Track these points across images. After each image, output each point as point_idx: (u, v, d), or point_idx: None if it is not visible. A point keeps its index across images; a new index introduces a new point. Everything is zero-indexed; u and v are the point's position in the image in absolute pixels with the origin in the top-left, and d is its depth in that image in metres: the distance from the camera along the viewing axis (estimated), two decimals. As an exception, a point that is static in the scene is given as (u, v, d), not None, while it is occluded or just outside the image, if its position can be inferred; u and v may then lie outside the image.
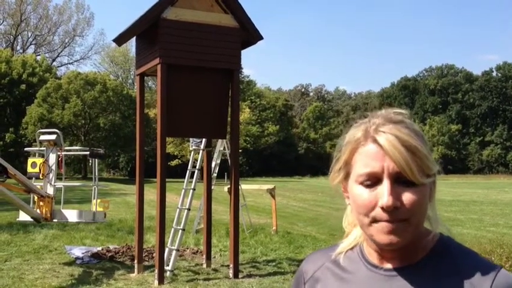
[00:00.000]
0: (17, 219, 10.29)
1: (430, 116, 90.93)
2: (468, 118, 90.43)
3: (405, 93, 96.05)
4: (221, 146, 12.32)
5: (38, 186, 9.53)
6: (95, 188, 10.29)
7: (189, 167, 9.82)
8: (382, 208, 1.07)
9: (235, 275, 8.22)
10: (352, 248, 1.25)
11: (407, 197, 1.07)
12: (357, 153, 1.13)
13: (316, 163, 74.92)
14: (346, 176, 1.17)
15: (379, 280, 1.16)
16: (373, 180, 1.09)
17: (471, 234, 14.12)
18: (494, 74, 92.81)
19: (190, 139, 11.33)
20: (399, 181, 1.08)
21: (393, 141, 1.07)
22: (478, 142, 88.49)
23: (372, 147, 1.10)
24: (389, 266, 1.16)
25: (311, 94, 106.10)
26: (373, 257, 1.19)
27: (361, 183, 1.11)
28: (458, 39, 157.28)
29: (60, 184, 10.38)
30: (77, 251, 10.22)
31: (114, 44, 9.58)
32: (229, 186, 8.81)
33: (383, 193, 1.07)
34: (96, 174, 10.43)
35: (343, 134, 1.20)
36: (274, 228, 13.66)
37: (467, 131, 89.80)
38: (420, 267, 1.14)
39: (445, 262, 1.13)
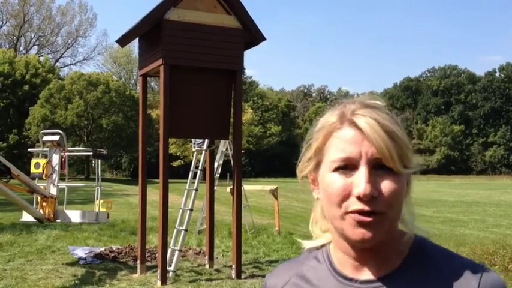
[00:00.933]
0: (20, 219, 10.32)
1: (433, 117, 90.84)
2: (471, 119, 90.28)
3: (408, 94, 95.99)
4: (224, 146, 12.34)
5: (41, 187, 9.56)
6: (97, 189, 10.31)
7: (191, 168, 9.84)
8: (358, 197, 0.95)
9: (238, 276, 8.23)
10: (317, 257, 1.12)
11: (385, 185, 0.96)
12: (331, 137, 1.02)
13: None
14: (317, 166, 1.05)
15: None
16: (348, 167, 0.98)
17: (474, 235, 14.11)
18: (497, 74, 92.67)
19: (193, 140, 11.36)
20: (377, 168, 0.97)
21: (373, 124, 0.97)
22: (481, 143, 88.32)
23: (349, 131, 0.99)
24: (365, 277, 1.03)
25: (313, 95, 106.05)
26: (345, 267, 1.06)
27: (335, 170, 0.99)
28: (461, 40, 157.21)
29: (63, 184, 10.40)
30: (80, 252, 10.24)
31: (117, 45, 9.59)
32: (231, 186, 8.82)
33: (359, 181, 0.96)
34: (99, 174, 10.44)
35: (316, 120, 1.08)
36: (276, 229, 13.66)
37: (470, 132, 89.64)
38: (400, 275, 1.01)
39: (426, 266, 1.02)
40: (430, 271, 1.02)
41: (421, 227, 1.08)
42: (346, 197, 0.97)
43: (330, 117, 1.04)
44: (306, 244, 1.16)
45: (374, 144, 0.97)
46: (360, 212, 0.96)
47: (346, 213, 0.98)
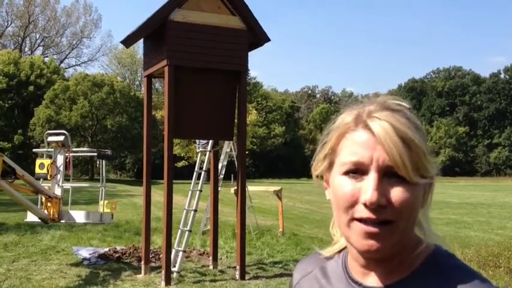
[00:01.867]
0: (25, 220, 10.34)
1: (437, 118, 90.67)
2: (476, 120, 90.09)
3: (412, 95, 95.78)
4: (228, 147, 12.34)
5: (46, 187, 9.57)
6: (102, 189, 10.32)
7: (196, 169, 9.84)
8: (365, 205, 0.91)
9: (242, 277, 8.22)
10: (339, 255, 1.12)
11: (395, 194, 0.91)
12: (344, 139, 0.98)
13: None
14: (330, 166, 1.02)
15: None
16: (359, 171, 0.94)
17: (479, 237, 14.07)
18: (502, 76, 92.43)
19: (197, 141, 11.37)
20: (389, 176, 0.92)
21: (388, 129, 0.92)
22: (485, 144, 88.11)
23: (362, 133, 0.95)
24: (369, 283, 1.00)
25: (318, 96, 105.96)
26: (355, 271, 1.04)
27: (345, 174, 0.96)
28: (466, 41, 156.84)
29: (67, 185, 10.42)
30: (84, 252, 10.25)
31: (121, 46, 9.62)
32: (235, 187, 8.82)
33: (367, 187, 0.91)
34: (104, 175, 10.45)
35: (334, 118, 1.04)
36: (280, 230, 13.65)
37: (475, 133, 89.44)
38: (406, 286, 0.97)
39: (436, 278, 0.96)
40: (439, 284, 0.96)
41: (441, 237, 1.03)
42: (353, 204, 0.94)
43: (346, 116, 1.00)
44: (324, 253, 1.15)
45: (386, 151, 0.92)
46: (367, 221, 0.92)
47: (352, 219, 0.94)
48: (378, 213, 0.91)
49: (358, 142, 0.95)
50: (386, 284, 0.99)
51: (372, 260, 0.99)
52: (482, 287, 0.94)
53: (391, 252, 0.95)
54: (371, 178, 0.92)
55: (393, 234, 0.92)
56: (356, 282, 1.02)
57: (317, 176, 1.08)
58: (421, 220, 0.99)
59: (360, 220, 0.93)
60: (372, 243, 0.92)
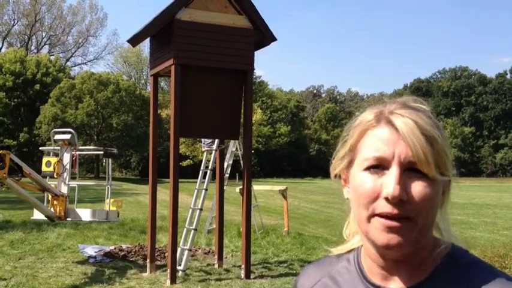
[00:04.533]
0: (31, 217, 10.39)
1: (443, 119, 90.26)
2: (481, 121, 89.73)
3: (418, 95, 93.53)
4: (233, 146, 12.35)
5: (52, 185, 9.61)
6: (108, 188, 10.34)
7: (201, 168, 9.86)
8: (387, 199, 0.91)
9: (247, 276, 8.23)
10: (349, 260, 1.10)
11: (416, 190, 0.92)
12: (366, 135, 0.98)
13: (328, 165, 74.58)
14: (349, 164, 1.02)
15: None
16: (380, 167, 0.94)
17: (484, 238, 14.03)
18: (508, 76, 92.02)
19: (202, 139, 11.39)
20: (409, 171, 0.93)
21: (411, 125, 0.93)
22: (491, 145, 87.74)
23: (385, 130, 0.95)
24: (392, 286, 0.99)
25: (323, 95, 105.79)
26: (373, 274, 1.02)
27: (366, 169, 0.95)
28: (472, 41, 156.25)
29: (74, 183, 10.45)
30: (90, 250, 10.29)
31: (127, 44, 9.62)
32: (241, 186, 8.82)
33: (389, 182, 0.91)
34: (110, 173, 10.48)
35: (354, 116, 1.04)
36: (285, 229, 13.66)
37: (481, 134, 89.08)
38: (428, 286, 0.97)
39: (457, 277, 0.97)
40: (460, 283, 0.96)
41: (458, 237, 1.03)
42: (374, 199, 0.93)
43: (367, 114, 1.00)
44: (334, 251, 1.14)
45: (410, 146, 0.93)
46: (388, 216, 0.92)
47: (373, 215, 0.94)
48: (399, 208, 0.91)
49: (381, 138, 0.96)
50: (408, 286, 0.98)
51: (391, 261, 0.98)
52: (501, 280, 0.96)
53: (410, 250, 0.95)
54: (393, 172, 0.92)
55: (412, 230, 0.93)
56: (377, 286, 1.01)
57: (335, 176, 1.07)
58: (438, 221, 1.00)
59: (381, 216, 0.93)
60: (391, 237, 0.92)
